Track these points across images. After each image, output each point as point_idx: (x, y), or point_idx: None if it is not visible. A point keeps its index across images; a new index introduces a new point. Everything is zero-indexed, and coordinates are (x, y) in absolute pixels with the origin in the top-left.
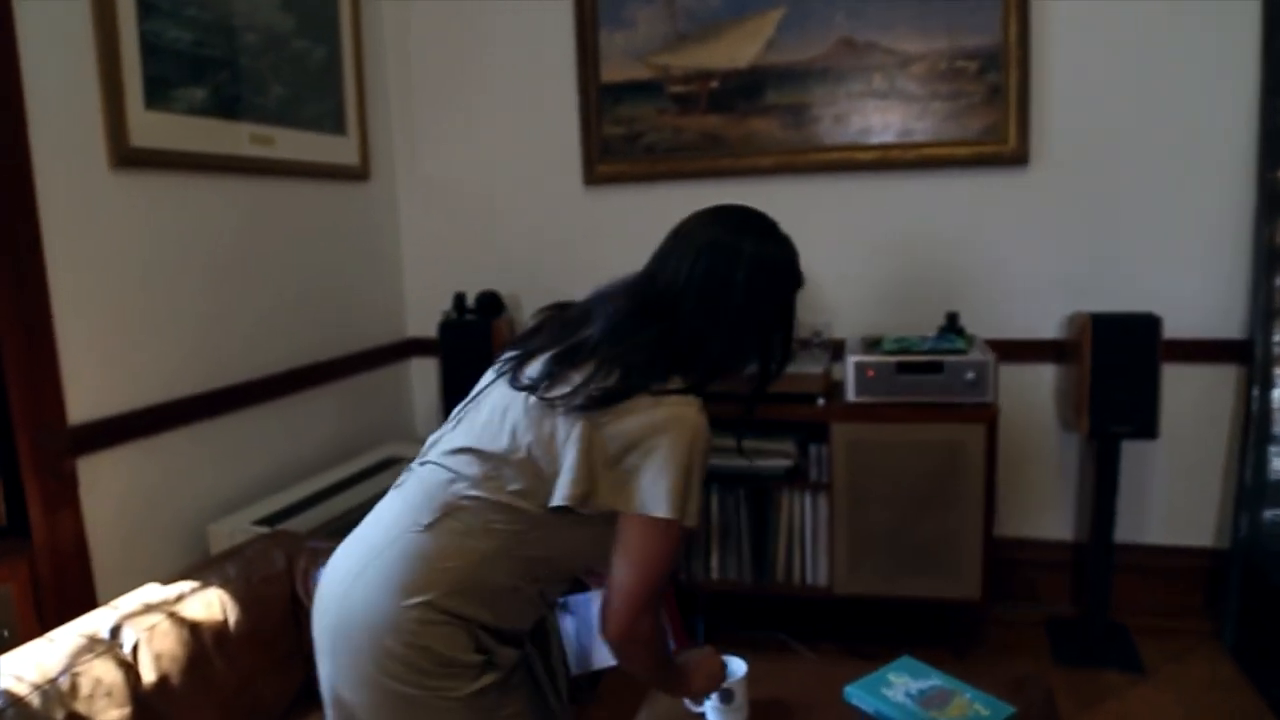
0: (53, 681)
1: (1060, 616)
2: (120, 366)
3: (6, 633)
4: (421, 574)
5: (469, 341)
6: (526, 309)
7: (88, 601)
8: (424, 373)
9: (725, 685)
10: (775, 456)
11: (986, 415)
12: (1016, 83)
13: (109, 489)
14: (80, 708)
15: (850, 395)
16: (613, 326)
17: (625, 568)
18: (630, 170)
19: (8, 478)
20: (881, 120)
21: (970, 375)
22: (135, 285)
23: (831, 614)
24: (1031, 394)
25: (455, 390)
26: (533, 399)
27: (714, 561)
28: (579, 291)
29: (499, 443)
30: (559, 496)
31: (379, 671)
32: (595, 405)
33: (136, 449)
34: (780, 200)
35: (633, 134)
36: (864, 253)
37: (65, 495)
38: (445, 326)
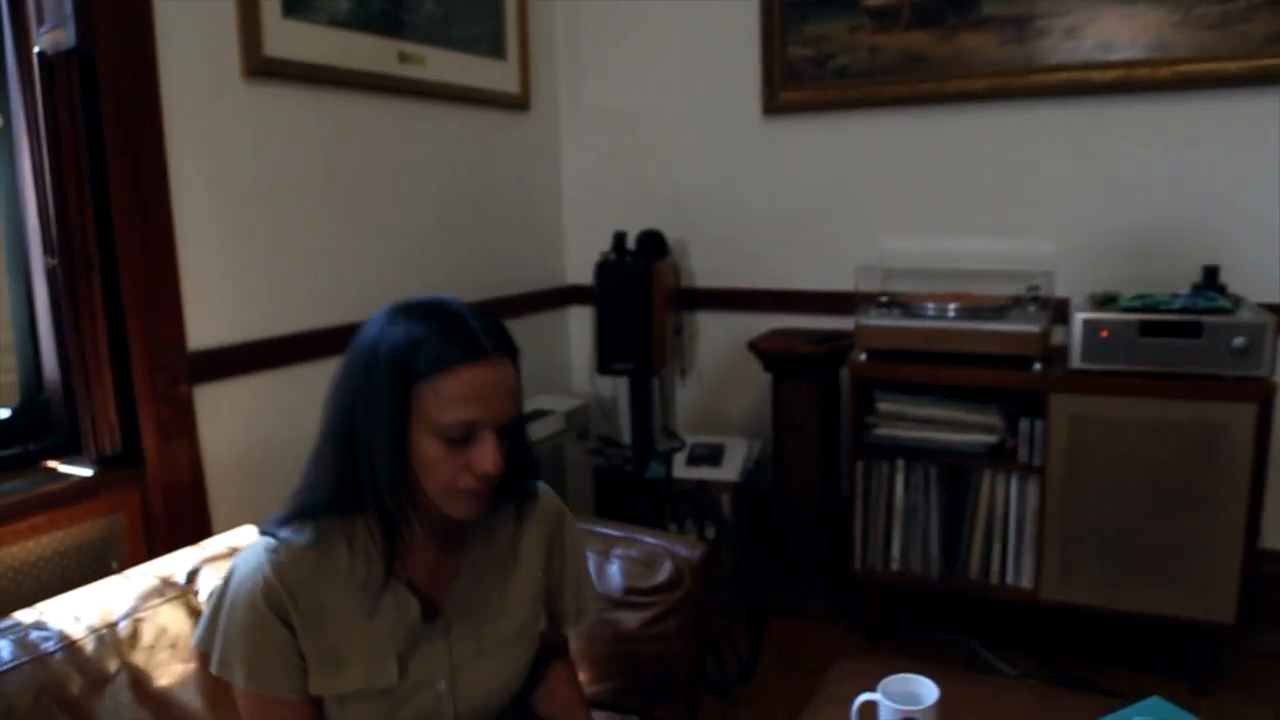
0: (112, 626)
1: None
2: (246, 293)
3: (116, 564)
4: None
5: (627, 285)
6: (694, 254)
7: (202, 536)
8: (582, 323)
9: (908, 716)
10: (976, 430)
11: (1259, 393)
12: None
13: (227, 421)
14: (138, 658)
15: (1075, 361)
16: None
17: None
18: (817, 97)
19: (122, 404)
20: (1127, 31)
21: (1239, 341)
22: (264, 207)
23: (1033, 622)
24: None
25: (610, 339)
26: None
27: (895, 548)
28: (752, 235)
29: None
30: None
31: None
32: None
33: (258, 381)
34: (994, 131)
35: (821, 55)
36: (1095, 194)
37: (181, 424)
38: (602, 268)
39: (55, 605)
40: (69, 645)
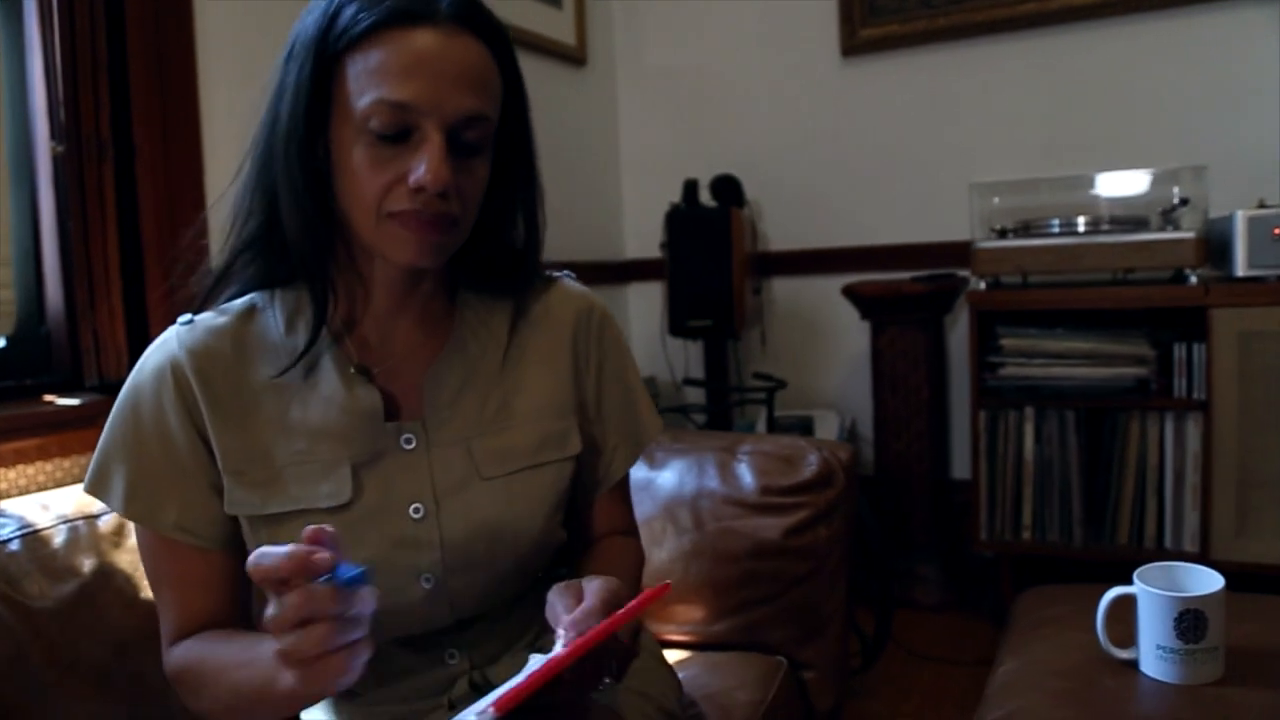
0: (91, 519)
1: None
2: None
3: None
4: None
5: (703, 234)
6: (768, 213)
7: None
8: (645, 300)
9: (1192, 608)
10: (1121, 363)
11: None
12: None
13: None
14: (120, 558)
15: (1239, 268)
16: None
17: None
18: (901, 31)
19: (132, 327)
20: None
21: None
22: None
23: None
24: None
25: (684, 295)
26: None
27: (1025, 514)
28: (831, 191)
29: None
30: None
31: None
32: None
33: None
34: (1109, 53)
35: None
36: (1240, 111)
37: None
38: (673, 216)
39: (24, 499)
40: (30, 535)
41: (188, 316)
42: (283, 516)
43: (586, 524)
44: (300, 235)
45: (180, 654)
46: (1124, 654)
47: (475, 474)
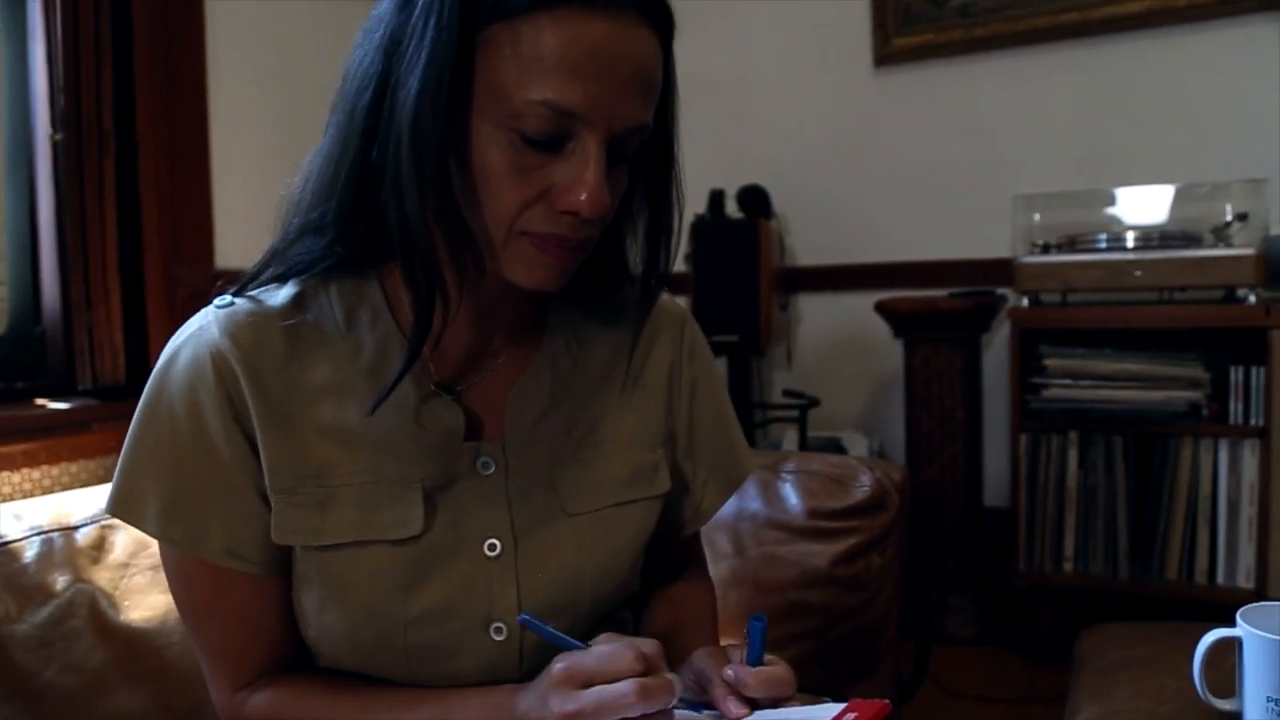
0: (68, 531)
1: None
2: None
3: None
4: None
5: (729, 246)
6: (795, 226)
7: None
8: None
9: None
10: (1172, 386)
11: None
12: None
13: None
14: (100, 578)
15: None
16: None
17: None
18: (936, 40)
19: (129, 329)
20: None
21: None
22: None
23: None
24: None
25: (708, 308)
26: None
27: (1067, 545)
28: (862, 206)
29: None
30: None
31: None
32: None
33: None
34: (1154, 62)
35: None
36: None
37: None
38: (699, 227)
39: None
40: (1, 546)
41: (226, 298)
42: (338, 546)
43: (658, 564)
44: (419, 231)
45: (262, 707)
46: (1225, 704)
47: (559, 509)
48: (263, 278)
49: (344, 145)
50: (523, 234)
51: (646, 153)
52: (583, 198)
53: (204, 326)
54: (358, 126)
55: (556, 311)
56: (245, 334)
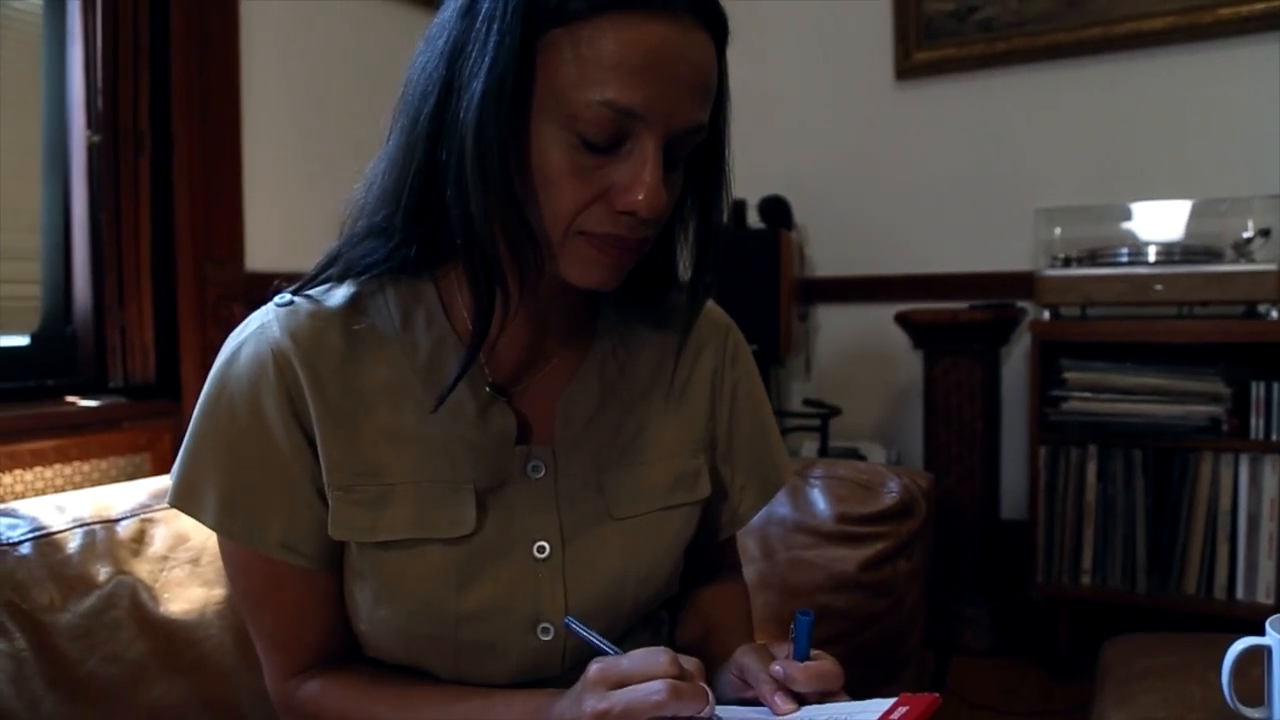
0: (110, 523)
1: None
2: (323, 212)
3: None
4: None
5: (750, 256)
6: (815, 238)
7: None
8: None
9: None
10: (1193, 400)
11: None
12: None
13: None
14: (141, 569)
15: None
16: None
17: None
18: (958, 54)
19: (161, 328)
20: None
21: None
22: (351, 108)
23: None
24: None
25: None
26: None
27: (1085, 558)
28: (882, 218)
29: None
30: None
31: None
32: None
33: None
34: (1177, 78)
35: (963, 8)
36: None
37: None
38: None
39: (37, 500)
40: (42, 538)
41: (286, 297)
42: (392, 544)
43: (695, 568)
44: (482, 231)
45: (312, 696)
46: (1255, 713)
47: (606, 513)
48: (322, 278)
49: (409, 149)
50: (581, 233)
51: (698, 157)
52: (640, 197)
53: (265, 324)
54: (422, 131)
55: (606, 315)
56: (306, 333)
